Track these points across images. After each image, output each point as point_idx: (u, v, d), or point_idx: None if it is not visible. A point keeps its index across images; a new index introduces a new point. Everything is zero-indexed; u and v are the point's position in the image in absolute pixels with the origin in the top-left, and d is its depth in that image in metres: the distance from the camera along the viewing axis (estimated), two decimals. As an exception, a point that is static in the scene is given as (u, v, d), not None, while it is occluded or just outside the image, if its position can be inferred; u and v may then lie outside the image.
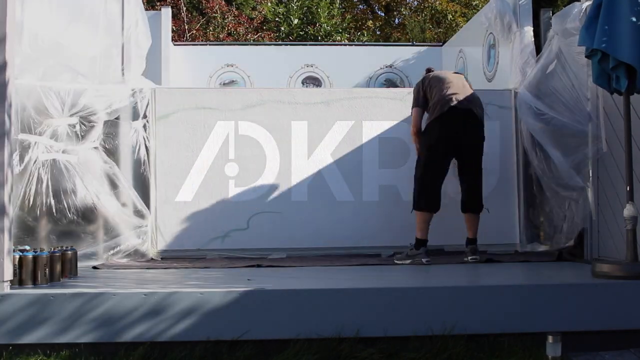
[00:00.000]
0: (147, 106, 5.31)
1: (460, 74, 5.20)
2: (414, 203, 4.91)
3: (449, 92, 4.80)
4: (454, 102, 4.76)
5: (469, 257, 4.84)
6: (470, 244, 4.90)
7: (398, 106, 5.58)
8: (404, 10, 17.26)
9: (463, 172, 4.94)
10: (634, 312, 3.32)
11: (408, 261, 4.81)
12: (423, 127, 5.00)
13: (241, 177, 5.46)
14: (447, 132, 4.77)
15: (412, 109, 5.05)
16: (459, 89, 4.84)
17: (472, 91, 4.92)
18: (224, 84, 7.91)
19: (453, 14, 14.87)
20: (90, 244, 4.96)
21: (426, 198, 4.84)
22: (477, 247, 4.90)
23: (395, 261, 4.87)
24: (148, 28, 5.52)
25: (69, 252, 3.92)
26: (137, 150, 5.25)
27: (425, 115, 5.00)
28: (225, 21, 13.06)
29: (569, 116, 4.75)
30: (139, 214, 5.15)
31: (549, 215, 5.29)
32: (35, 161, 4.75)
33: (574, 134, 4.78)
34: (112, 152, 5.11)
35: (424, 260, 4.77)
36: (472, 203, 4.93)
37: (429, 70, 5.20)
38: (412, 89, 5.19)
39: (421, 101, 4.96)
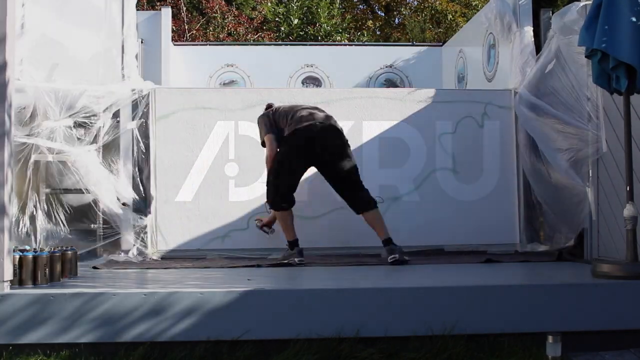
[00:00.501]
0: (147, 106, 5.31)
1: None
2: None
3: (302, 113, 4.84)
4: (309, 122, 4.80)
5: (389, 258, 4.72)
6: (386, 245, 4.78)
7: (398, 106, 5.58)
8: (404, 10, 17.26)
9: (335, 181, 4.91)
10: (634, 312, 3.32)
11: (282, 262, 4.78)
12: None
13: (241, 177, 5.46)
14: (303, 141, 4.80)
15: (264, 135, 4.98)
16: (309, 109, 4.89)
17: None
18: (224, 84, 7.90)
19: (453, 14, 14.87)
20: (91, 243, 4.97)
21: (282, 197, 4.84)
22: (394, 247, 4.75)
23: (267, 264, 4.84)
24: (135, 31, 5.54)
25: (69, 252, 3.91)
26: (136, 150, 5.25)
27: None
28: (226, 21, 13.06)
29: (569, 116, 4.75)
30: (139, 214, 5.15)
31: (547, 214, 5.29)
32: (35, 161, 4.76)
33: (573, 134, 4.78)
34: (111, 152, 5.11)
35: (296, 260, 4.72)
36: (360, 202, 4.86)
37: (268, 107, 5.21)
38: (411, 89, 5.19)
39: (273, 129, 4.93)
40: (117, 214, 5.05)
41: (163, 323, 3.15)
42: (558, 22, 4.77)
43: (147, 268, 4.68)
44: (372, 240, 5.40)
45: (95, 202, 5.01)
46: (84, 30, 5.03)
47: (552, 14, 5.18)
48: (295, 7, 12.36)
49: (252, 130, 5.50)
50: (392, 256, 4.70)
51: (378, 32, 16.85)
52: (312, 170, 5.50)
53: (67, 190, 4.91)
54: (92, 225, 5.06)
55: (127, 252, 5.10)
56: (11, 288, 3.28)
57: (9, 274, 3.22)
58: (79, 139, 4.94)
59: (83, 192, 4.90)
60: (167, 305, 3.16)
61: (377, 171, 5.53)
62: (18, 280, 3.44)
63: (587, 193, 4.71)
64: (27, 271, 3.48)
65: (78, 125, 4.95)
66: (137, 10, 5.85)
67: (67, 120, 4.86)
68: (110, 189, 5.02)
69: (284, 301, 3.23)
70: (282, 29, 12.32)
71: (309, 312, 3.21)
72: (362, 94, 5.67)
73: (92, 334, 3.13)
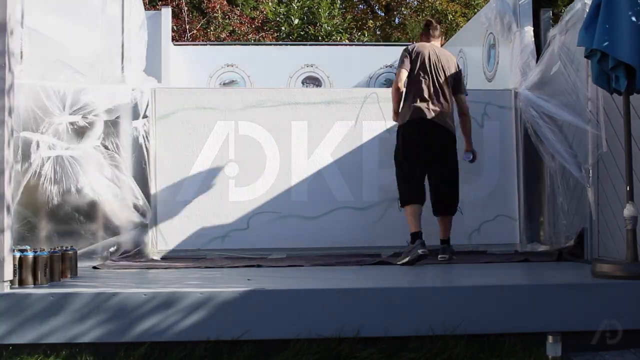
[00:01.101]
0: (147, 106, 5.32)
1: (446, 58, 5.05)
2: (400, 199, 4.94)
3: (420, 99, 4.78)
4: (422, 114, 4.76)
5: (439, 256, 4.85)
6: (441, 244, 4.91)
7: (398, 106, 5.58)
8: (404, 10, 17.27)
9: (432, 174, 4.92)
10: (634, 312, 3.32)
11: (407, 258, 4.73)
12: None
13: (241, 177, 5.46)
14: (415, 137, 4.80)
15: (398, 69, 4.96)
16: (431, 95, 4.81)
17: (445, 99, 4.87)
18: (224, 84, 7.90)
19: (453, 14, 14.88)
20: (91, 243, 4.97)
21: (409, 192, 4.85)
22: (447, 247, 4.88)
23: (398, 263, 4.86)
24: (145, 29, 5.52)
25: (69, 252, 3.92)
26: (137, 150, 5.25)
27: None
28: (227, 21, 13.06)
29: (571, 115, 4.75)
30: (139, 213, 5.15)
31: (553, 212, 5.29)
32: (36, 160, 4.76)
33: (575, 133, 4.79)
34: (112, 152, 5.11)
35: (420, 251, 4.66)
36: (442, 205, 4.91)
37: (427, 25, 5.16)
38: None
39: (407, 65, 4.90)
40: (117, 213, 5.04)
41: (163, 323, 3.15)
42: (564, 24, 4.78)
43: (147, 268, 4.68)
44: (372, 240, 5.42)
45: (95, 201, 5.00)
46: (84, 30, 5.03)
47: (552, 14, 5.19)
48: (296, 7, 12.37)
49: (252, 130, 5.52)
50: (443, 256, 4.84)
51: (378, 32, 16.86)
52: (312, 170, 5.52)
53: (68, 190, 4.91)
54: (92, 225, 5.06)
55: (127, 251, 5.10)
56: (11, 288, 3.28)
57: (9, 274, 3.22)
58: (82, 136, 4.95)
59: (83, 192, 4.90)
60: (167, 305, 3.16)
61: (377, 171, 5.53)
62: (18, 280, 3.44)
63: (587, 193, 4.71)
64: (27, 271, 3.48)
65: (79, 124, 4.95)
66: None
67: (70, 118, 4.86)
68: (110, 188, 5.02)
69: (284, 301, 3.23)
70: (283, 28, 12.33)
71: (309, 312, 3.21)
72: (362, 94, 5.67)
73: (92, 333, 3.13)
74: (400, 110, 4.91)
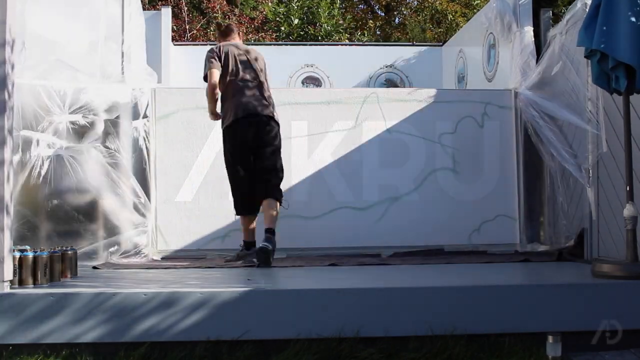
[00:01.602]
0: (147, 105, 5.32)
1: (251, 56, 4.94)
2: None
3: (235, 100, 4.72)
4: (242, 113, 4.69)
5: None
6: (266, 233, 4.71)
7: (398, 106, 5.59)
8: (404, 10, 17.27)
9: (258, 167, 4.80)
10: (634, 312, 3.32)
11: (239, 262, 4.78)
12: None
13: (241, 177, 5.45)
14: (237, 141, 4.73)
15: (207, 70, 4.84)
16: (245, 93, 4.75)
17: (256, 87, 4.79)
18: (224, 83, 7.89)
19: (453, 14, 14.86)
20: (91, 242, 4.97)
21: (237, 201, 4.84)
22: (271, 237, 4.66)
23: (225, 261, 4.85)
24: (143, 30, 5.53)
25: (69, 252, 3.92)
26: (137, 150, 5.25)
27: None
28: (227, 21, 13.04)
29: (571, 115, 4.76)
30: (139, 213, 5.15)
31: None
32: (35, 159, 4.76)
33: (575, 133, 4.79)
34: (112, 151, 5.11)
35: (254, 260, 4.63)
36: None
37: (224, 33, 5.05)
38: (412, 89, 5.20)
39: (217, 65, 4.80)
40: (117, 213, 5.05)
41: (163, 323, 3.15)
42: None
43: (147, 268, 4.68)
44: (372, 240, 5.42)
45: (95, 201, 5.00)
46: (84, 29, 5.03)
47: (552, 14, 5.19)
48: (295, 7, 12.36)
49: (252, 130, 5.52)
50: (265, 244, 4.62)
51: (378, 32, 16.85)
52: (312, 170, 5.52)
53: (68, 189, 4.90)
54: (92, 225, 5.06)
55: (127, 251, 5.10)
56: (11, 288, 3.28)
57: (9, 274, 3.22)
58: (82, 135, 4.95)
59: (84, 191, 4.90)
60: (167, 305, 3.16)
61: (377, 171, 5.53)
62: (18, 280, 3.44)
63: (588, 193, 4.71)
64: (27, 271, 3.48)
65: (79, 123, 4.95)
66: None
67: (71, 117, 4.86)
68: (110, 188, 5.02)
69: (284, 301, 3.23)
70: (283, 28, 12.32)
71: (309, 312, 3.21)
72: (362, 94, 5.67)
73: (92, 333, 3.13)
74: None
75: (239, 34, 5.11)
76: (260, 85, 4.84)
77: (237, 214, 4.91)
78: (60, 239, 4.70)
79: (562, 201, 5.07)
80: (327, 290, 3.34)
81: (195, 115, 5.44)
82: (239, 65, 4.80)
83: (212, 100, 4.81)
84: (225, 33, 5.07)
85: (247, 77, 4.80)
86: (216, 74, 4.75)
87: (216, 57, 4.80)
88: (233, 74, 4.79)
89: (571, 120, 4.75)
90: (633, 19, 3.62)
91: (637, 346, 3.29)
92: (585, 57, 3.94)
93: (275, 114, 4.84)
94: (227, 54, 4.81)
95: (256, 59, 4.89)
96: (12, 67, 3.28)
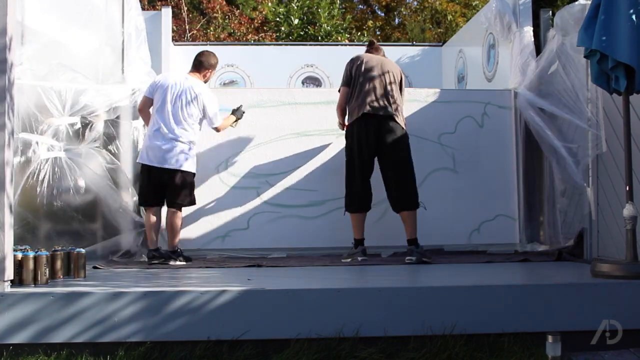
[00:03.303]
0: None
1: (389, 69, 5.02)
2: (345, 205, 4.95)
3: (365, 95, 4.78)
4: (366, 109, 4.76)
5: (406, 258, 4.78)
6: (408, 245, 4.82)
7: (398, 106, 5.58)
8: (404, 10, 17.27)
9: (384, 172, 4.90)
10: (634, 312, 3.32)
11: (349, 259, 4.85)
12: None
13: (241, 177, 5.46)
14: (362, 136, 4.79)
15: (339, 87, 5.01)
16: (375, 90, 4.80)
17: (394, 86, 4.86)
18: (224, 84, 7.91)
19: (453, 14, 14.86)
20: (91, 243, 4.97)
21: (352, 199, 4.88)
22: (414, 249, 4.76)
23: (342, 260, 4.90)
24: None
25: (70, 252, 3.92)
26: (137, 150, 5.25)
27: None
28: (227, 21, 13.06)
29: (571, 115, 4.76)
30: (139, 214, 5.15)
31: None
32: (36, 160, 4.76)
33: (575, 133, 4.80)
34: (112, 152, 5.12)
35: (359, 258, 4.78)
36: (399, 200, 4.86)
37: (370, 45, 5.18)
38: (411, 89, 5.21)
39: (347, 81, 4.93)
40: (118, 213, 5.05)
41: (163, 323, 3.15)
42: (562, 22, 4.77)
43: (147, 268, 4.69)
44: (372, 240, 5.42)
45: (95, 201, 5.01)
46: (84, 30, 5.04)
47: (552, 14, 5.19)
48: (295, 7, 12.36)
49: (253, 130, 5.52)
50: (410, 257, 4.77)
51: (378, 32, 16.85)
52: (312, 169, 5.52)
53: (68, 190, 4.91)
54: (92, 225, 5.06)
55: (127, 252, 5.11)
56: (12, 287, 3.28)
57: (9, 274, 3.23)
58: (82, 136, 4.96)
59: (84, 192, 4.90)
60: (167, 305, 3.16)
61: (377, 171, 5.53)
62: (18, 280, 3.44)
63: (587, 193, 4.72)
64: (27, 271, 3.48)
65: (81, 123, 4.96)
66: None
67: (70, 119, 4.87)
68: (110, 188, 5.02)
69: (284, 301, 3.23)
70: (283, 29, 12.32)
71: (309, 312, 3.21)
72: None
73: (92, 333, 3.13)
74: None
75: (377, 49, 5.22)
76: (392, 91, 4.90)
77: (351, 211, 4.94)
78: (60, 239, 4.70)
79: (562, 201, 5.07)
80: (327, 290, 3.34)
81: (195, 116, 5.44)
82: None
83: (340, 115, 5.01)
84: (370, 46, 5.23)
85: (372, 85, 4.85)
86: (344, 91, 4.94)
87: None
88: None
89: (571, 120, 4.75)
90: (633, 19, 3.62)
91: (637, 346, 3.29)
92: (585, 57, 3.95)
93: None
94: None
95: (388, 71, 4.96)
96: (13, 69, 3.28)
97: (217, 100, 5.04)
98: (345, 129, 5.01)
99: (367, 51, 5.15)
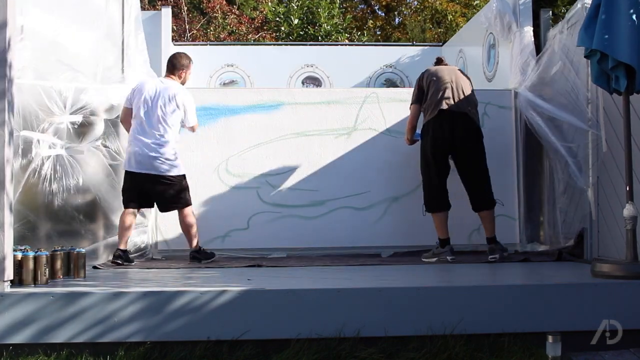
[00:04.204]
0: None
1: (460, 71, 5.12)
2: (425, 206, 4.94)
3: (443, 94, 4.79)
4: (445, 106, 4.76)
5: (489, 257, 4.82)
6: (489, 244, 4.88)
7: (398, 106, 5.59)
8: (404, 10, 17.27)
9: (461, 172, 4.91)
10: (634, 312, 3.32)
11: (434, 259, 4.86)
12: (420, 126, 5.00)
13: (241, 176, 5.46)
14: (438, 135, 4.79)
15: (410, 105, 5.04)
16: (450, 90, 4.82)
17: (467, 90, 4.89)
18: (224, 84, 7.91)
19: (453, 14, 14.86)
20: (91, 242, 4.97)
21: (433, 199, 4.86)
22: (495, 246, 4.83)
23: (422, 259, 4.92)
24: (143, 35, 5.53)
25: (70, 252, 3.92)
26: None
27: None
28: (227, 21, 13.06)
29: (571, 115, 4.76)
30: (139, 213, 5.14)
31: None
32: (36, 160, 4.76)
33: (575, 133, 4.80)
34: (112, 151, 5.11)
35: (449, 258, 4.81)
36: (479, 200, 4.89)
37: (437, 62, 5.17)
38: (412, 89, 5.20)
39: (418, 97, 4.95)
40: (118, 213, 5.04)
41: (163, 323, 3.15)
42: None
43: (147, 268, 4.69)
44: (372, 240, 5.43)
45: (96, 201, 5.00)
46: (84, 29, 5.04)
47: (552, 14, 5.19)
48: (295, 7, 12.35)
49: (252, 130, 5.52)
50: (493, 256, 4.80)
51: (378, 32, 16.85)
52: (312, 170, 5.52)
53: (68, 189, 4.90)
54: (92, 225, 5.06)
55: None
56: (12, 287, 3.28)
57: (9, 274, 3.23)
58: (82, 135, 4.95)
59: (84, 191, 4.89)
60: (167, 305, 3.16)
61: (376, 171, 5.53)
62: (18, 280, 3.44)
63: (588, 193, 4.72)
64: (27, 271, 3.48)
65: (81, 122, 4.95)
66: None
67: (71, 117, 4.87)
68: (110, 188, 5.02)
69: (284, 301, 3.23)
70: (283, 28, 12.32)
71: (309, 312, 3.21)
72: (362, 94, 5.67)
73: (92, 333, 3.13)
74: None
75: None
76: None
77: (430, 211, 4.94)
78: (60, 238, 4.70)
79: (562, 201, 5.07)
80: (327, 290, 3.34)
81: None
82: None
83: (410, 131, 5.03)
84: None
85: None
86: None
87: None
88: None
89: (571, 120, 4.75)
90: (633, 19, 3.62)
91: (637, 346, 3.29)
92: (585, 57, 3.95)
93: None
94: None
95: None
96: (14, 68, 3.28)
97: (193, 99, 5.04)
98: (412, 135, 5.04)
99: (435, 64, 5.16)
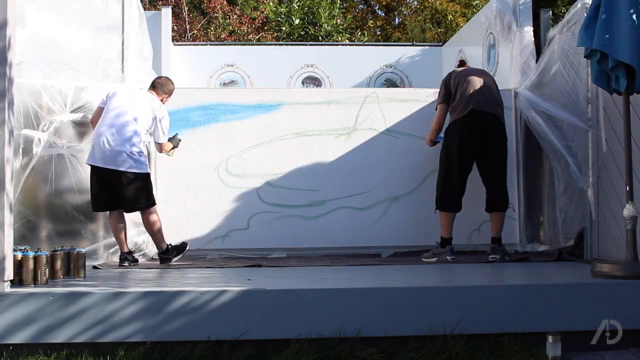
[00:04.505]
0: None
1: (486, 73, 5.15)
2: (437, 203, 4.91)
3: (474, 95, 4.78)
4: (477, 107, 4.75)
5: (490, 256, 4.84)
6: (493, 243, 4.90)
7: (398, 106, 5.59)
8: (404, 10, 17.27)
9: (484, 173, 4.91)
10: (634, 312, 3.32)
11: (434, 259, 4.85)
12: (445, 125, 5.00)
13: (241, 177, 5.46)
14: (467, 134, 4.77)
15: (437, 104, 5.03)
16: (480, 90, 4.81)
17: (495, 92, 4.90)
18: (224, 84, 7.91)
19: (453, 14, 14.86)
20: (91, 242, 4.97)
21: (447, 198, 4.85)
22: (498, 247, 4.86)
23: (422, 259, 4.90)
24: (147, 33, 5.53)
25: (70, 252, 3.92)
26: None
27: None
28: (228, 21, 13.06)
29: (571, 115, 4.76)
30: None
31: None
32: (36, 159, 4.76)
33: (575, 133, 4.80)
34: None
35: (448, 258, 4.80)
36: (495, 201, 4.90)
37: (461, 64, 5.18)
38: (411, 89, 5.21)
39: (445, 96, 4.92)
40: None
41: (163, 323, 3.15)
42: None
43: (147, 268, 4.69)
44: (372, 240, 5.42)
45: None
46: (84, 29, 5.04)
47: (552, 14, 5.19)
48: (296, 7, 12.36)
49: (252, 130, 5.52)
50: (493, 256, 4.83)
51: (378, 32, 16.85)
52: (312, 169, 5.52)
53: (68, 189, 4.91)
54: (92, 224, 5.06)
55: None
56: (11, 287, 3.28)
57: (9, 274, 3.22)
58: (82, 135, 4.96)
59: (84, 191, 4.89)
60: (167, 304, 3.16)
61: (377, 171, 5.54)
62: (18, 280, 3.44)
63: (588, 193, 4.71)
64: (27, 271, 3.48)
65: (80, 122, 4.95)
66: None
67: (71, 116, 4.87)
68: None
69: (284, 301, 3.23)
70: (283, 28, 12.32)
71: (309, 312, 3.21)
72: (362, 94, 5.67)
73: (92, 333, 3.13)
74: None
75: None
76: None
77: (442, 209, 4.93)
78: (60, 238, 4.70)
79: (562, 201, 5.07)
80: (327, 290, 3.34)
81: (196, 115, 5.45)
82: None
83: (435, 131, 5.05)
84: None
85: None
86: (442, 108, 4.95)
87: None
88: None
89: (571, 120, 4.75)
90: (633, 19, 3.62)
91: (637, 346, 3.29)
92: (585, 57, 3.95)
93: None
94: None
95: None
96: (14, 68, 3.28)
97: (169, 120, 4.99)
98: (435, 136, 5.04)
99: (458, 67, 5.17)
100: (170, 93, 5.07)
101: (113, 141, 4.66)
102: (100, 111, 4.82)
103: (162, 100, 5.01)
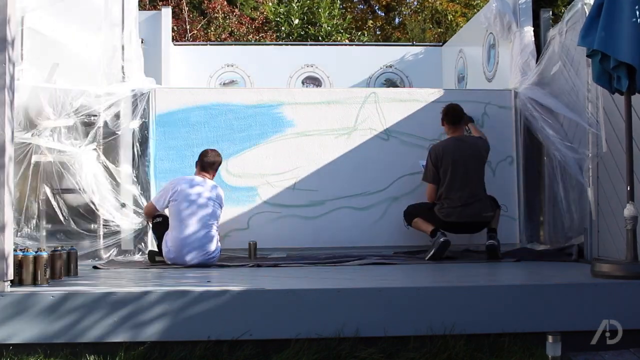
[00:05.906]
0: (147, 106, 5.32)
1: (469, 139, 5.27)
2: (408, 218, 5.14)
3: (455, 185, 4.97)
4: (457, 218, 4.99)
5: (487, 242, 4.97)
6: (489, 232, 5.06)
7: (398, 106, 5.59)
8: (404, 10, 17.27)
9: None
10: (634, 312, 3.32)
11: (432, 250, 4.89)
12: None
13: (241, 177, 5.46)
14: (454, 212, 5.02)
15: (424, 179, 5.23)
16: (466, 177, 5.00)
17: (478, 169, 5.09)
18: (224, 84, 7.91)
19: (453, 14, 14.86)
20: (91, 242, 4.97)
21: (424, 220, 5.08)
22: (495, 235, 5.02)
23: (426, 259, 4.91)
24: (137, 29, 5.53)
25: (70, 252, 3.92)
26: (136, 150, 5.25)
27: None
28: (227, 21, 13.05)
29: (571, 115, 4.76)
30: (139, 213, 5.15)
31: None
32: (36, 160, 4.76)
33: (575, 133, 4.80)
34: (111, 152, 5.11)
35: (441, 239, 4.87)
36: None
37: (445, 114, 5.26)
38: (411, 89, 5.21)
39: (435, 178, 5.11)
40: (117, 213, 5.05)
41: (163, 322, 3.15)
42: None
43: (147, 268, 4.68)
44: (372, 240, 5.42)
45: (94, 202, 5.00)
46: (84, 30, 5.04)
47: (552, 14, 5.19)
48: (296, 7, 12.36)
49: (252, 130, 5.52)
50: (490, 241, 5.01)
51: (378, 32, 16.85)
52: (312, 170, 5.53)
53: (67, 191, 4.91)
54: (92, 225, 5.06)
55: (127, 251, 5.11)
56: (11, 287, 3.28)
57: (9, 273, 3.22)
58: (82, 136, 4.96)
59: (83, 193, 4.89)
60: (167, 304, 3.16)
61: (376, 171, 5.53)
62: (18, 280, 3.44)
63: (587, 193, 4.71)
64: (27, 271, 3.48)
65: (78, 125, 4.95)
66: (139, 10, 5.84)
67: (67, 120, 4.86)
68: (109, 189, 5.03)
69: (284, 301, 3.23)
70: (283, 29, 12.32)
71: (309, 312, 3.21)
72: (362, 94, 5.67)
73: (92, 333, 3.13)
74: None
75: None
76: None
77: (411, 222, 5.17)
78: (60, 239, 4.70)
79: (562, 201, 5.07)
80: (327, 290, 3.34)
81: (195, 115, 5.45)
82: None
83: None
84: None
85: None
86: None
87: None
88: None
89: (571, 116, 4.75)
90: (634, 19, 3.61)
91: (637, 346, 3.29)
92: (587, 56, 3.94)
93: None
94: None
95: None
96: (13, 68, 3.28)
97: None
98: None
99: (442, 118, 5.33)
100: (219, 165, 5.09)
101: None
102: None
103: (213, 176, 5.03)
